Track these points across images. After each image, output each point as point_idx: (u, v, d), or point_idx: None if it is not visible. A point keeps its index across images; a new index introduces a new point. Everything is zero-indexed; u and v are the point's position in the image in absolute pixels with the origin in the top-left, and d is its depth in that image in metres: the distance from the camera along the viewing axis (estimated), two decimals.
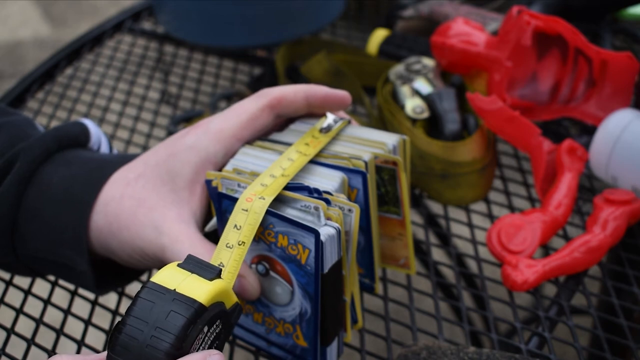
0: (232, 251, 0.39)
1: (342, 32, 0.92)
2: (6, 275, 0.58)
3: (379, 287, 0.50)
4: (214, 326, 0.36)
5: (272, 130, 0.50)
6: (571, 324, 0.51)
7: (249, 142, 0.48)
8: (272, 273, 0.43)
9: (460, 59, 0.66)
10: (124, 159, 0.49)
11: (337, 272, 0.42)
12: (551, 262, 0.53)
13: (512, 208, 0.62)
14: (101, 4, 2.57)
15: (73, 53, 0.88)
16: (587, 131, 0.65)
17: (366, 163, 0.44)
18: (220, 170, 0.46)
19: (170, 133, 0.73)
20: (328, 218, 0.41)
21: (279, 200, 0.42)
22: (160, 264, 0.45)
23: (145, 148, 0.72)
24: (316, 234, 0.39)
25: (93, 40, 0.90)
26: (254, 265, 0.44)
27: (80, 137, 0.51)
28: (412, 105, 0.63)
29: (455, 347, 0.46)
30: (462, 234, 0.62)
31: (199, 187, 0.46)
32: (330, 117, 0.48)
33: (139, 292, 0.35)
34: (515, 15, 0.63)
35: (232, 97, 0.77)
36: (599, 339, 0.50)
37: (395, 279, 0.57)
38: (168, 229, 0.44)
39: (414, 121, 0.63)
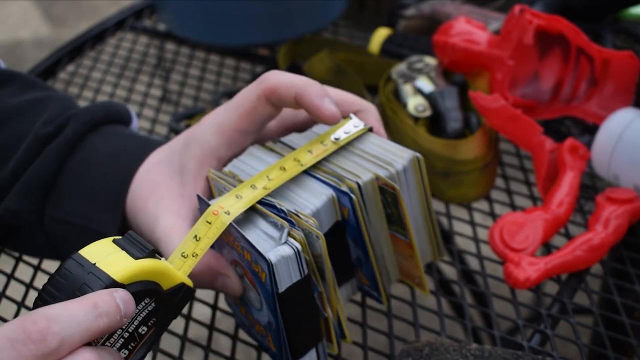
0: (185, 262, 0.39)
1: (344, 31, 0.92)
2: (7, 269, 0.58)
3: (386, 301, 0.49)
4: (143, 304, 0.36)
5: (275, 116, 0.47)
6: (573, 322, 0.51)
7: (262, 142, 0.47)
8: (245, 279, 0.44)
9: (463, 58, 0.66)
10: (162, 142, 0.50)
11: (300, 291, 0.41)
12: (553, 260, 0.53)
13: (514, 206, 0.62)
14: (101, 4, 2.57)
15: (75, 50, 0.88)
16: (589, 130, 0.65)
17: (359, 185, 0.43)
18: (225, 164, 0.46)
19: (172, 130, 0.73)
20: (293, 237, 0.40)
21: (255, 211, 0.42)
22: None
23: None
24: (268, 261, 0.39)
25: (95, 38, 0.90)
26: (234, 266, 0.44)
27: (125, 115, 0.53)
28: (414, 103, 0.64)
29: (457, 343, 0.46)
30: (464, 232, 0.62)
31: (202, 181, 0.46)
32: (350, 123, 0.46)
33: (63, 261, 0.35)
34: (517, 14, 0.63)
35: (234, 96, 0.77)
36: (601, 336, 0.50)
37: None
38: (164, 221, 0.45)
39: (416, 119, 0.63)
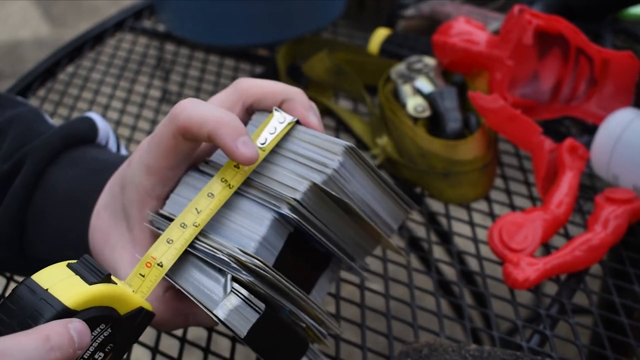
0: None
1: (343, 31, 0.92)
2: None
3: (365, 276, 0.48)
4: (98, 329, 0.35)
5: (199, 145, 0.44)
6: (572, 322, 0.51)
7: (195, 165, 0.45)
8: None
9: (462, 58, 0.66)
10: (121, 162, 0.48)
11: (265, 323, 0.40)
12: (552, 261, 0.53)
13: (513, 207, 0.62)
14: (101, 4, 2.57)
15: (74, 51, 0.88)
16: (588, 130, 0.65)
17: (298, 201, 0.40)
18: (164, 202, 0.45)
19: None
20: (239, 280, 0.39)
21: (194, 257, 0.41)
22: None
23: None
24: (217, 318, 0.38)
25: (94, 39, 0.90)
26: None
27: (87, 133, 0.51)
28: (414, 104, 0.63)
29: (456, 344, 0.46)
30: (463, 232, 0.62)
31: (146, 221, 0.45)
32: (274, 120, 0.43)
33: (15, 287, 0.35)
34: (517, 14, 0.63)
35: None
36: (600, 336, 0.50)
37: (397, 277, 0.57)
38: (123, 272, 0.44)
39: (415, 120, 0.63)
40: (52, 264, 0.47)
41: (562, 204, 0.56)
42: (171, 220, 0.42)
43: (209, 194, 0.41)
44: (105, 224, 0.45)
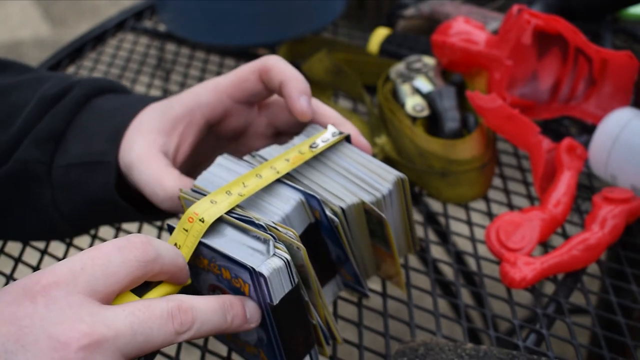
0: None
1: (343, 31, 0.93)
2: (15, 253, 0.60)
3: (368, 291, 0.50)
4: None
5: (265, 97, 0.51)
6: (569, 322, 0.51)
7: (242, 151, 0.49)
8: None
9: (461, 58, 0.66)
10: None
11: (292, 300, 0.41)
12: (550, 260, 0.53)
13: (511, 206, 0.62)
14: (101, 4, 2.57)
15: (75, 51, 0.88)
16: (587, 130, 0.65)
17: (343, 210, 0.44)
18: (207, 121, 0.49)
19: None
20: (278, 248, 0.40)
21: (232, 226, 0.41)
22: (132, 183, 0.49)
23: None
24: (250, 271, 0.39)
25: (95, 39, 0.90)
26: (211, 292, 0.44)
27: (127, 90, 0.56)
28: (413, 103, 0.64)
29: (453, 343, 0.46)
30: (461, 231, 0.62)
31: (182, 127, 0.49)
32: (328, 132, 0.47)
33: None
34: (516, 14, 0.63)
35: None
36: (597, 336, 0.51)
37: None
38: (138, 147, 0.48)
39: (414, 119, 0.63)
40: (77, 167, 0.49)
41: (560, 204, 0.56)
42: (202, 194, 0.44)
43: (257, 175, 0.44)
44: (144, 115, 0.49)
